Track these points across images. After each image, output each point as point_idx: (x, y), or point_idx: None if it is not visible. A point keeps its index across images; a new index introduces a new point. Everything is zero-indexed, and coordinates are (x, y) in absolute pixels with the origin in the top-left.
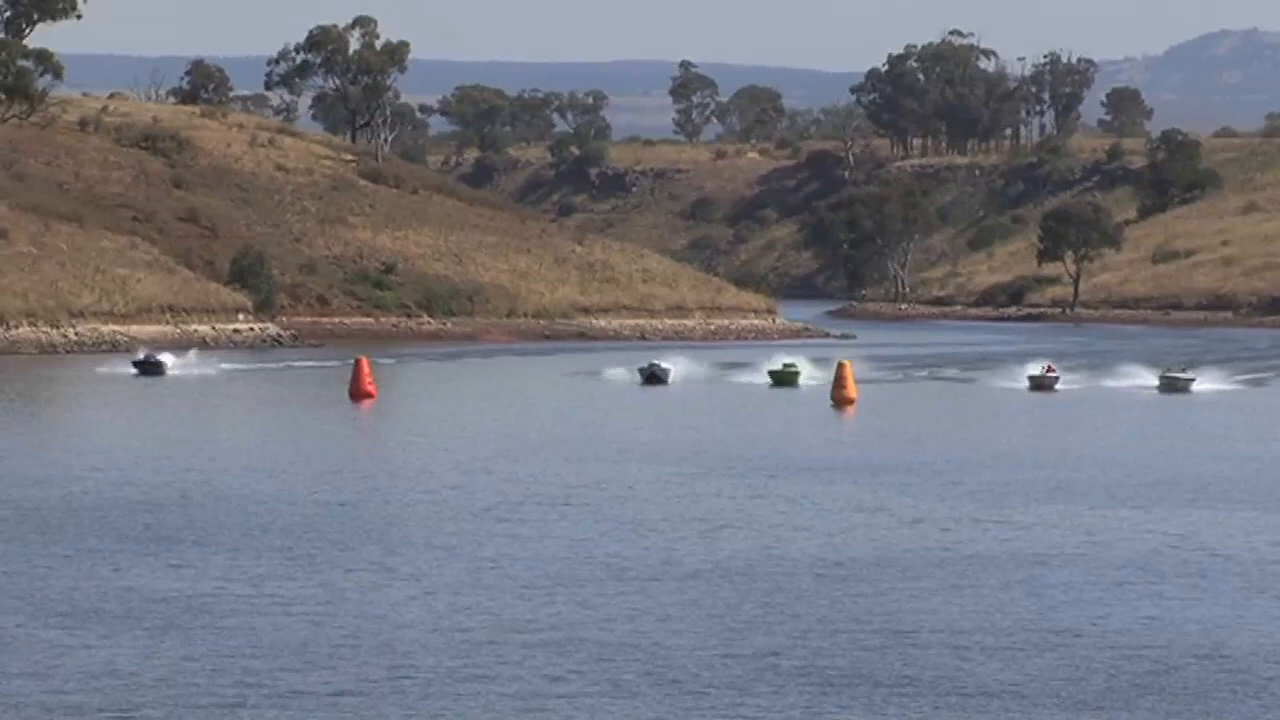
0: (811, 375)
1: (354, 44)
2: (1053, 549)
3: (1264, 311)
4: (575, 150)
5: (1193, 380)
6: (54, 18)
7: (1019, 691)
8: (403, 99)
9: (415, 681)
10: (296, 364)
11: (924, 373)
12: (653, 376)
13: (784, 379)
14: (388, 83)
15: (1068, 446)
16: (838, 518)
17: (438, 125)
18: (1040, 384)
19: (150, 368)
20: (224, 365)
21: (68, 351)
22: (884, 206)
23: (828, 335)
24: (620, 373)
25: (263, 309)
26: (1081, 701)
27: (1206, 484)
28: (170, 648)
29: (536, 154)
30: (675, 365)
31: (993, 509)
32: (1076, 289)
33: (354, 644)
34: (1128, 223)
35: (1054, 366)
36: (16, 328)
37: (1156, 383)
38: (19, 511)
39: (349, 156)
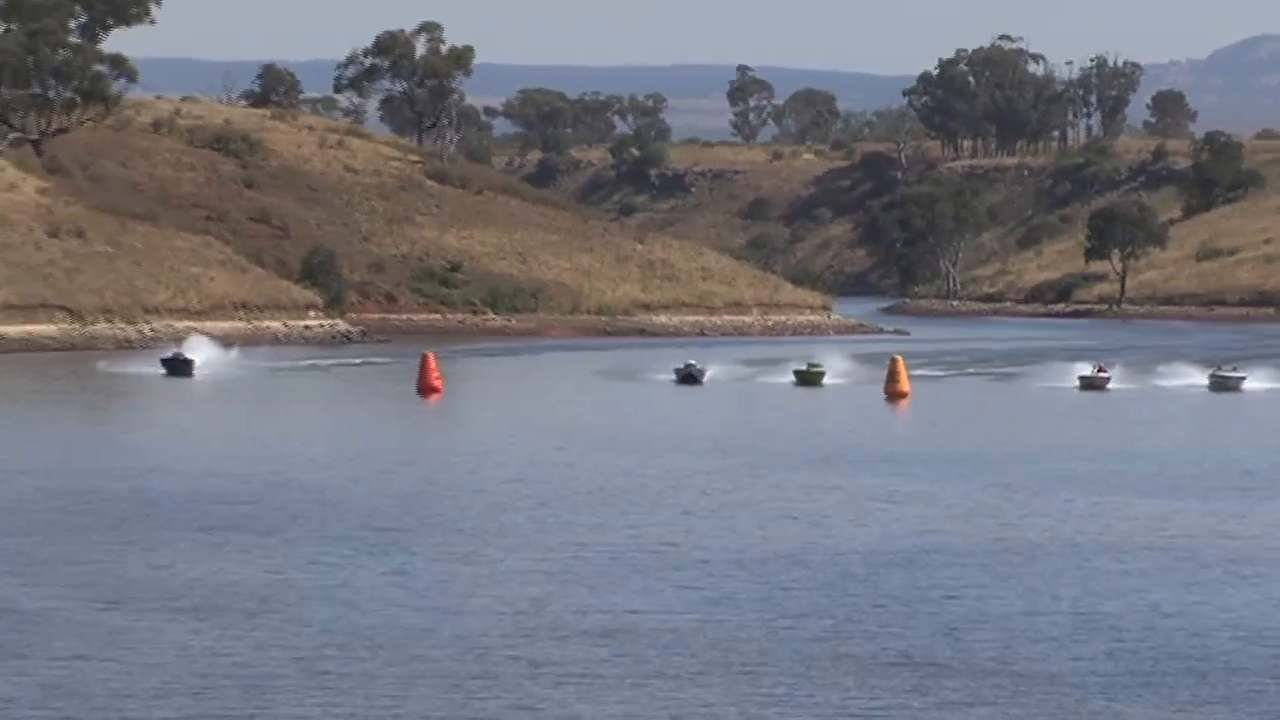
0: (841, 373)
1: (420, 49)
2: (1107, 538)
3: None
4: (635, 151)
5: (1244, 379)
6: (128, 23)
7: (1063, 675)
8: (467, 101)
9: (483, 666)
10: (348, 360)
11: (974, 370)
12: (689, 377)
13: (808, 379)
14: (453, 86)
15: (1119, 442)
16: (891, 509)
17: (501, 127)
18: (1091, 384)
19: (179, 367)
20: (265, 363)
21: (143, 347)
22: (935, 206)
23: (881, 331)
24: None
25: (333, 306)
26: (1124, 684)
27: (1252, 474)
28: (248, 633)
29: (598, 155)
30: (709, 366)
31: (1041, 498)
32: (1123, 286)
33: (428, 629)
34: (1172, 222)
35: (1105, 366)
36: (94, 324)
37: (1207, 382)
38: (109, 503)
39: (415, 158)
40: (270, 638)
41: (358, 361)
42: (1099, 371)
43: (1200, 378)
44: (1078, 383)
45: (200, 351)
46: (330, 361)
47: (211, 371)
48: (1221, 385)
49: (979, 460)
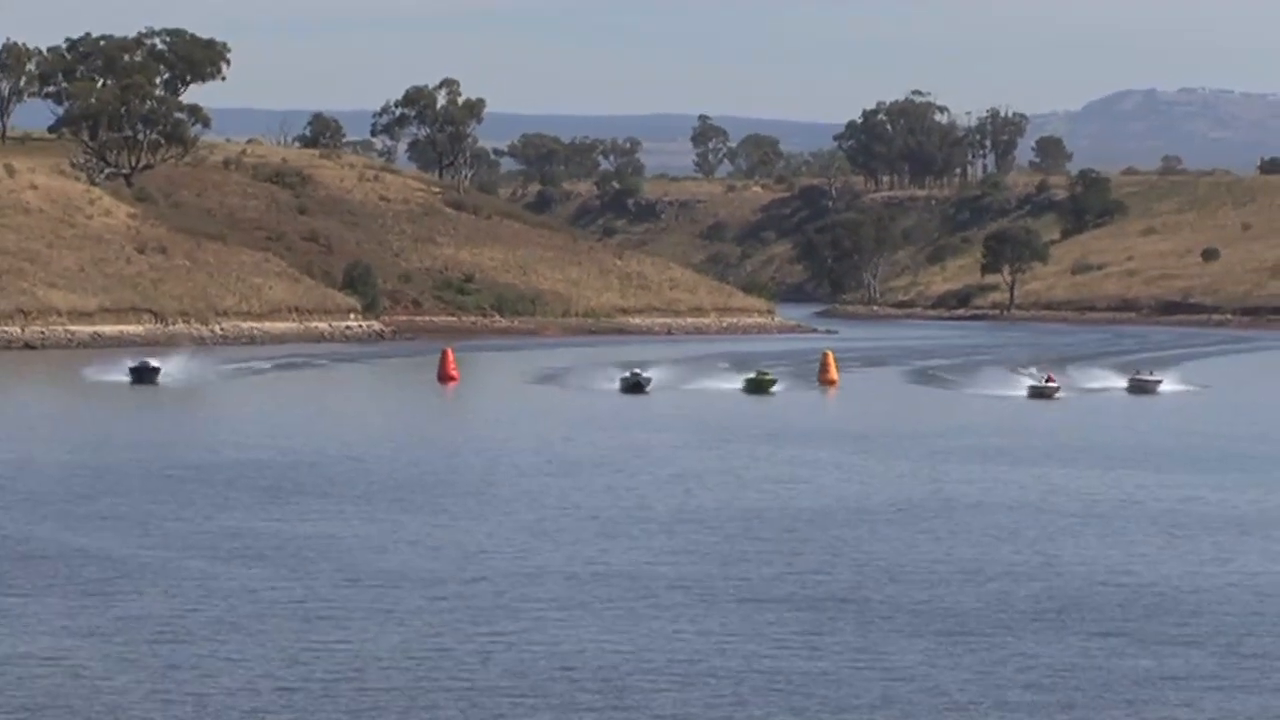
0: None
1: (441, 101)
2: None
3: (1160, 312)
4: (616, 185)
5: (1160, 382)
6: (203, 79)
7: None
8: (479, 144)
9: (508, 607)
10: (323, 362)
11: (916, 372)
12: (635, 385)
13: (759, 386)
14: (467, 131)
15: (1032, 424)
16: (824, 475)
17: (507, 165)
18: (1041, 393)
19: (145, 375)
20: (224, 366)
21: (214, 344)
22: (859, 229)
23: (815, 330)
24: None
25: (369, 310)
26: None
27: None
28: (302, 578)
29: (585, 187)
30: (654, 374)
31: (953, 467)
32: (1012, 295)
33: (459, 578)
34: (1052, 242)
35: (1054, 376)
36: (174, 324)
37: (1125, 385)
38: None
39: (437, 189)
40: (315, 580)
41: (299, 361)
42: (1048, 381)
43: (1119, 381)
44: (1026, 392)
45: (165, 361)
46: (269, 364)
47: (175, 379)
48: (1140, 388)
49: (899, 436)
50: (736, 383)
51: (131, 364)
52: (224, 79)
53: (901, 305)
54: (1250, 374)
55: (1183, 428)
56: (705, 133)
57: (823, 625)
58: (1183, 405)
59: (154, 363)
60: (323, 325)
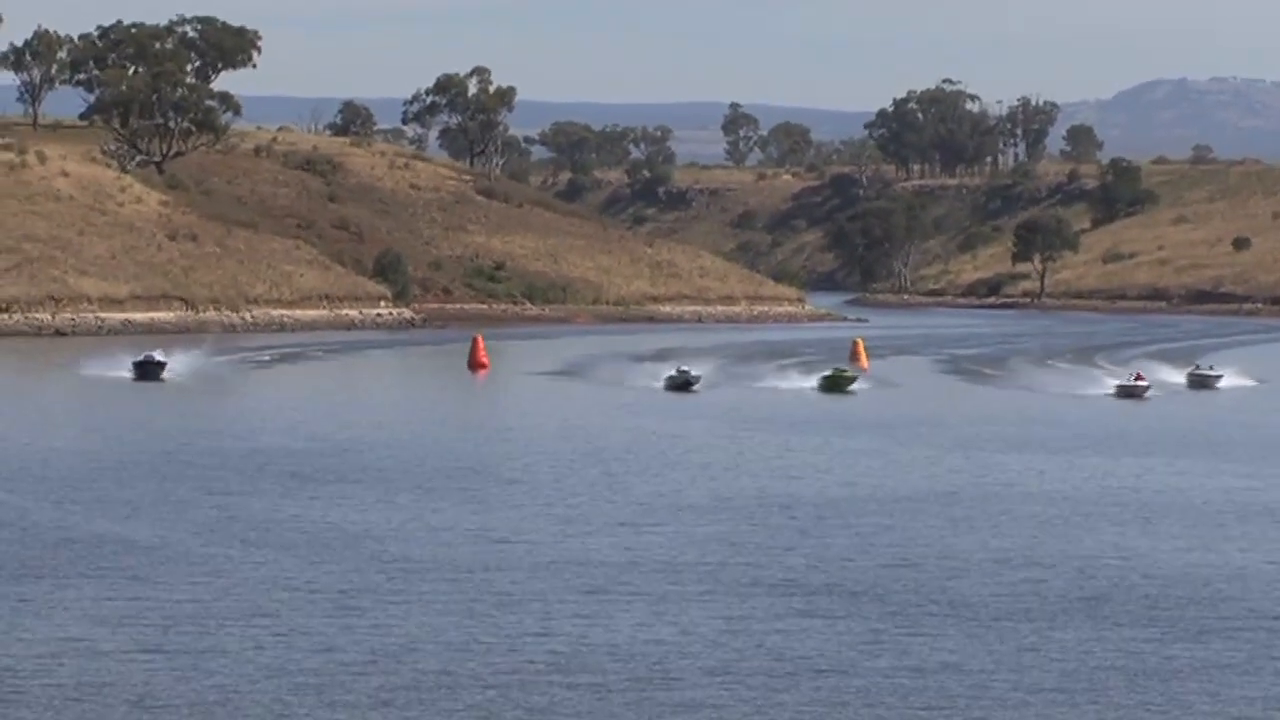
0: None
1: (472, 89)
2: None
3: (1191, 301)
4: (647, 173)
5: (1220, 377)
6: (234, 67)
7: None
8: (510, 132)
9: (534, 593)
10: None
11: (987, 371)
12: (683, 384)
13: (836, 384)
14: (498, 119)
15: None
16: (852, 462)
17: (538, 153)
18: (1129, 393)
19: (150, 370)
20: (222, 358)
21: (244, 331)
22: (890, 218)
23: (845, 319)
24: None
25: (399, 297)
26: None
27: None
28: (336, 563)
29: (616, 176)
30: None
31: (978, 456)
32: (1042, 283)
33: (491, 564)
34: (1083, 231)
35: (1143, 375)
36: (205, 312)
37: (1185, 380)
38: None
39: (468, 177)
40: (342, 566)
41: (294, 349)
42: (1137, 379)
43: (1178, 375)
44: (1114, 391)
45: (169, 355)
46: (270, 355)
47: (180, 373)
48: (1200, 383)
49: (925, 424)
50: (809, 380)
51: (135, 358)
52: (255, 66)
53: (932, 294)
54: None
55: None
56: (736, 121)
57: (854, 613)
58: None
59: (159, 356)
60: (353, 313)
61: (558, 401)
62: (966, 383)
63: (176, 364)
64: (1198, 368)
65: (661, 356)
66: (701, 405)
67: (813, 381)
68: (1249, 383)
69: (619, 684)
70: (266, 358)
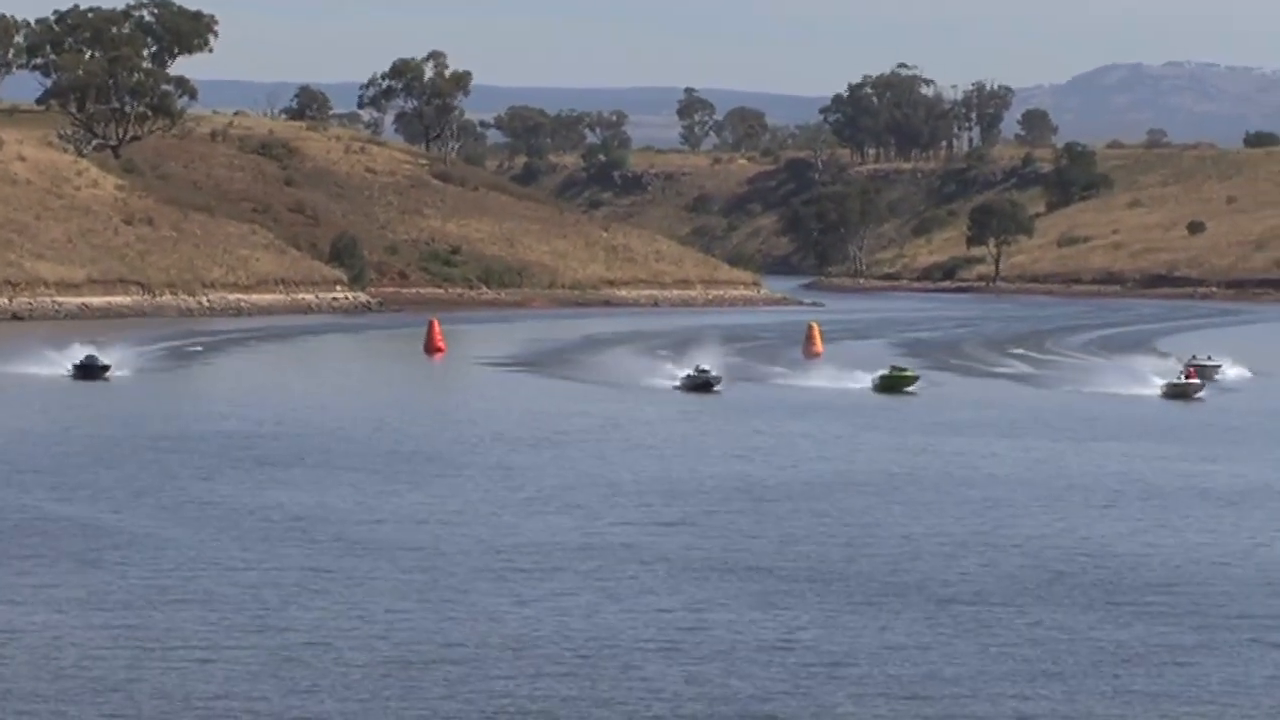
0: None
1: (428, 73)
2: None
3: (1145, 285)
4: (602, 157)
5: (1219, 367)
6: (190, 51)
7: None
8: (466, 116)
9: (492, 576)
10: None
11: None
12: (703, 385)
13: (893, 384)
14: (454, 104)
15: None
16: (806, 446)
17: (494, 137)
18: (1180, 392)
19: (92, 372)
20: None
21: (200, 315)
22: (845, 202)
23: (801, 303)
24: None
25: (355, 281)
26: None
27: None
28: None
29: (571, 160)
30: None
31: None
32: (997, 267)
33: (454, 544)
34: (1038, 215)
35: (1195, 371)
36: (161, 296)
37: (1180, 370)
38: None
39: (423, 161)
40: (306, 548)
41: (230, 334)
42: (1188, 377)
43: (1175, 365)
44: (1163, 389)
45: (108, 356)
46: (198, 345)
47: (124, 374)
48: (1200, 375)
49: (875, 408)
50: (863, 381)
51: (76, 360)
52: (211, 51)
53: (887, 278)
54: None
55: None
56: (691, 105)
57: (809, 595)
58: None
59: (103, 359)
60: (309, 297)
61: (513, 386)
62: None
63: (115, 359)
64: (1195, 358)
65: (620, 340)
66: (655, 390)
67: (866, 382)
68: (1249, 374)
69: (571, 661)
70: (198, 348)
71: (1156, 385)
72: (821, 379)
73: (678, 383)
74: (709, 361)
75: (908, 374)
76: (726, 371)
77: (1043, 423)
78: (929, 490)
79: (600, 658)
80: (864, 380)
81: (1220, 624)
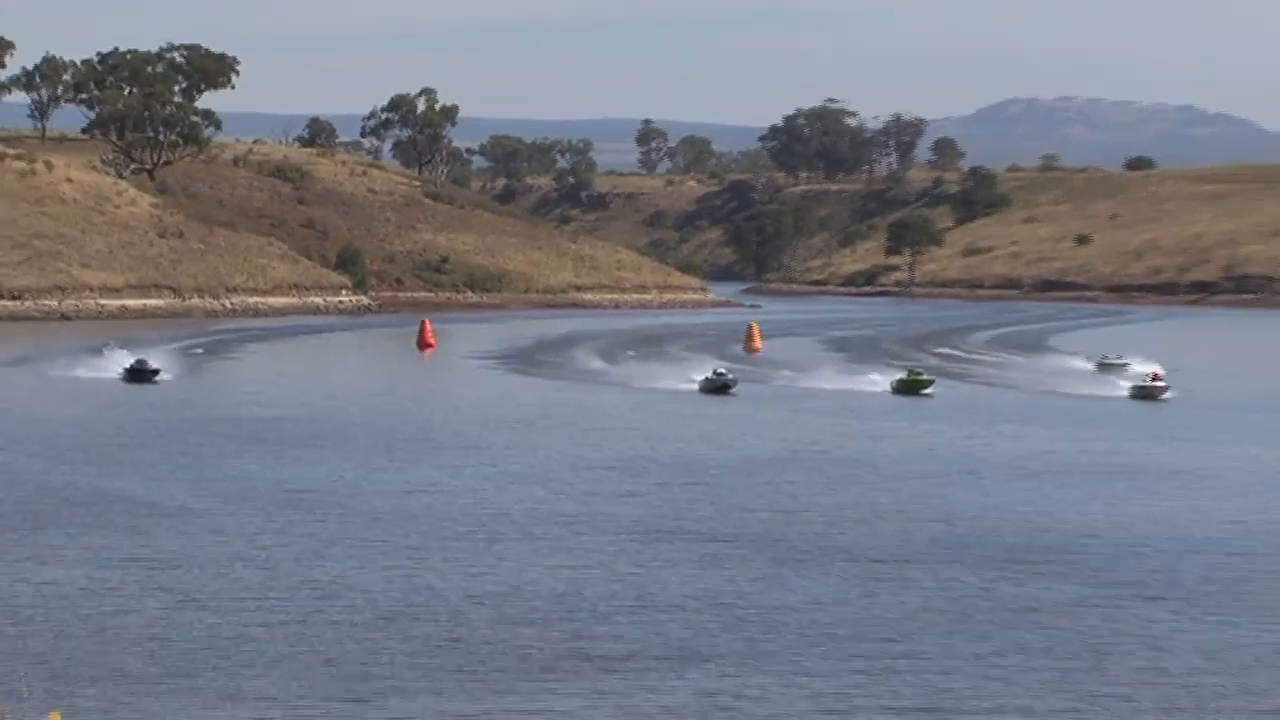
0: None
1: (420, 107)
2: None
3: (1039, 290)
4: (571, 179)
5: (1128, 365)
6: (215, 87)
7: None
8: (453, 144)
9: (476, 542)
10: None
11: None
12: (721, 387)
13: (911, 387)
14: (444, 133)
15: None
16: (745, 429)
17: (478, 162)
18: (1146, 394)
19: (142, 376)
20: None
21: (224, 315)
22: (780, 218)
23: (742, 305)
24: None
25: (358, 286)
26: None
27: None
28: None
29: (545, 182)
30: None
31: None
32: (911, 274)
33: (442, 518)
34: (947, 229)
35: (1160, 374)
36: (190, 299)
37: (1093, 367)
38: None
39: (417, 183)
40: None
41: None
42: (1154, 380)
43: (1087, 364)
44: (1130, 391)
45: (144, 351)
46: (200, 346)
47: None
48: (1108, 370)
49: (807, 397)
50: (880, 384)
51: (127, 364)
52: (233, 87)
53: (816, 283)
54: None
55: None
56: (648, 134)
57: (751, 559)
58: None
59: (152, 364)
60: (318, 300)
61: (495, 376)
62: (850, 361)
63: (151, 353)
64: (1105, 357)
65: (573, 340)
66: (612, 378)
67: (885, 385)
68: (1156, 369)
69: (543, 610)
70: (199, 350)
71: (1124, 387)
72: (837, 382)
73: (697, 385)
74: (705, 360)
75: (924, 378)
76: (691, 364)
77: (1001, 418)
78: (859, 468)
79: (567, 608)
80: (881, 384)
81: (1100, 582)
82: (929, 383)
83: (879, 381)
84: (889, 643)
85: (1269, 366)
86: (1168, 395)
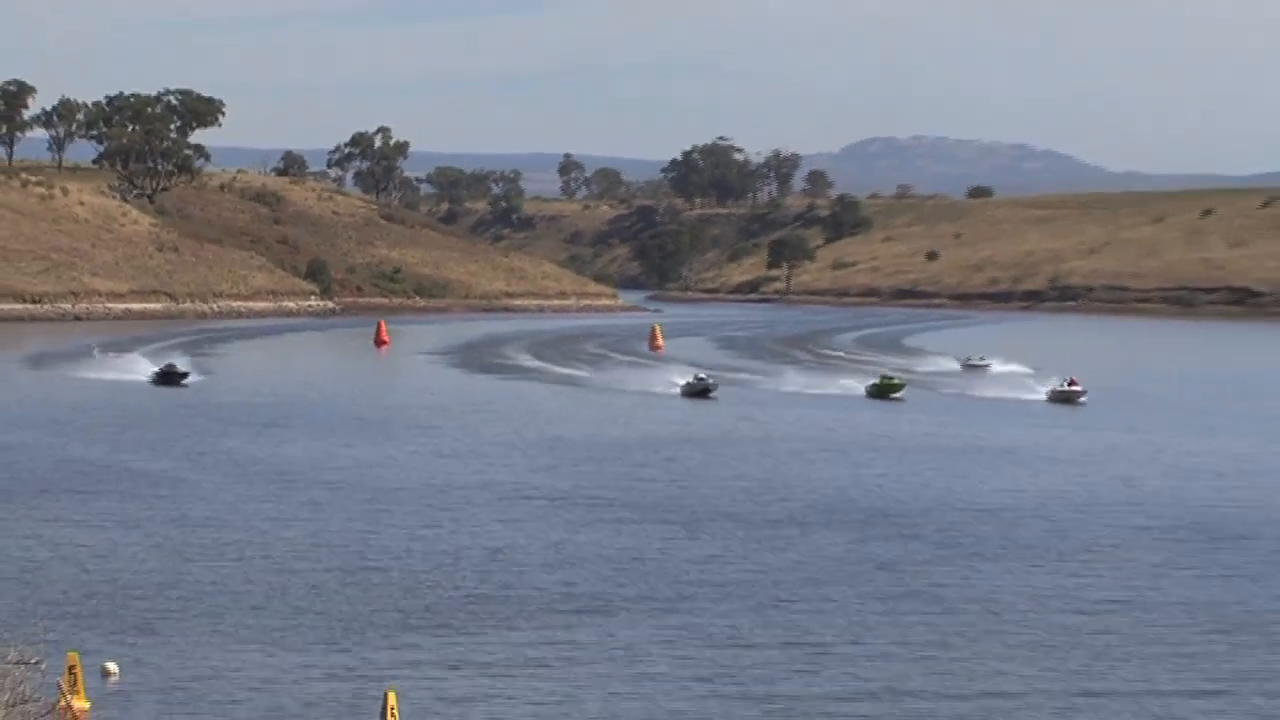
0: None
1: (378, 143)
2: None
3: (895, 297)
4: (504, 204)
5: (989, 365)
6: (205, 126)
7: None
8: (405, 174)
9: (423, 509)
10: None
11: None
12: (702, 390)
13: (884, 391)
14: (397, 165)
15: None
16: (654, 414)
17: (425, 189)
18: (1065, 398)
19: (172, 379)
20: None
21: (212, 317)
22: (679, 237)
23: (646, 310)
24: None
25: (324, 293)
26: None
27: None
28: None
29: (482, 206)
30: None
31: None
32: (788, 284)
33: (408, 487)
34: (818, 247)
35: (1076, 379)
36: (183, 303)
37: (959, 366)
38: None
39: (374, 206)
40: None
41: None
42: (1071, 385)
43: (953, 364)
44: (1048, 395)
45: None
46: (161, 346)
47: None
48: (972, 369)
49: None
50: (855, 389)
51: (158, 369)
52: (220, 125)
53: (709, 291)
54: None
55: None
56: (568, 166)
57: (654, 523)
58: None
59: (181, 368)
60: (291, 304)
61: (440, 369)
62: (739, 358)
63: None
64: (969, 359)
65: (504, 339)
66: (659, 395)
67: (860, 389)
68: (1017, 368)
69: (480, 564)
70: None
71: (1041, 392)
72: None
73: (678, 390)
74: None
75: (895, 382)
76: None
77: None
78: (751, 447)
79: (500, 562)
80: (856, 389)
81: (946, 543)
82: (900, 387)
83: (792, 379)
84: (770, 591)
85: (1106, 366)
86: (1084, 400)
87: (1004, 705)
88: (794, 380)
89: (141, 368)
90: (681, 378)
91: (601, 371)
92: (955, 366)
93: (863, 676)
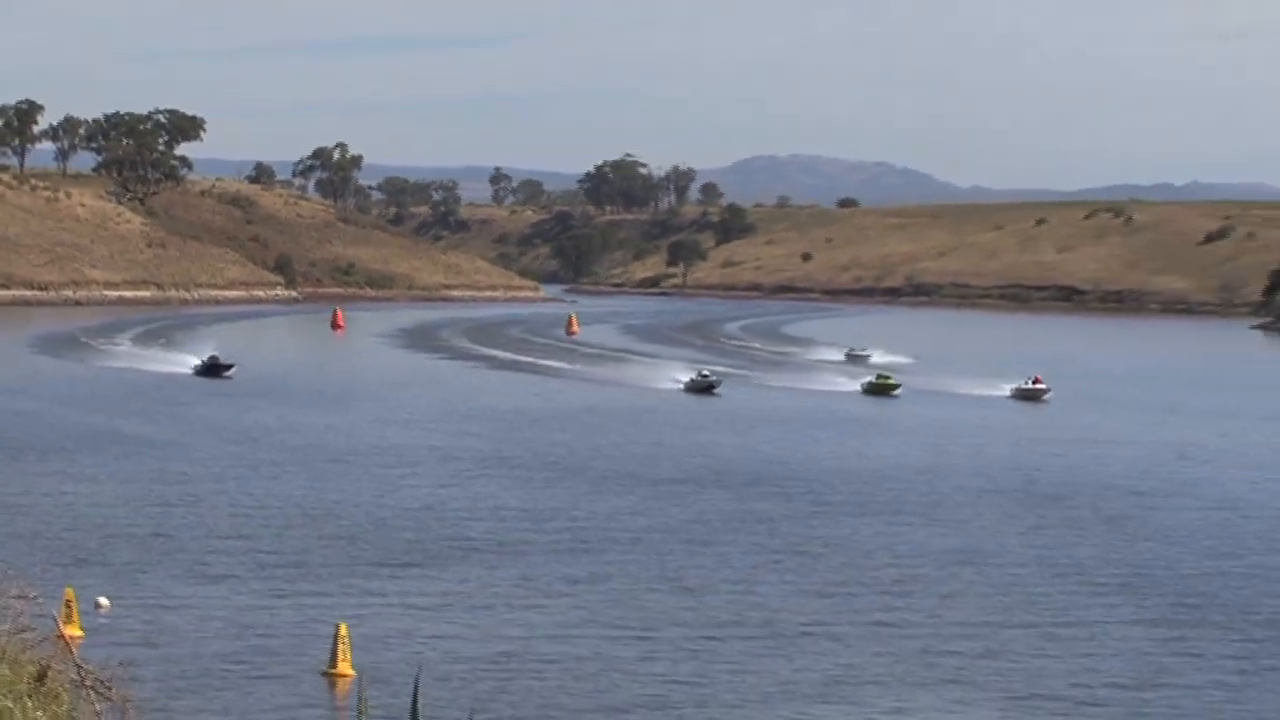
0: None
1: (336, 156)
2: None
3: (776, 292)
4: (443, 209)
5: (869, 355)
6: (189, 140)
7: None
8: (359, 182)
9: (375, 472)
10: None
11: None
12: (706, 387)
13: (880, 389)
14: (352, 175)
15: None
16: (573, 393)
17: (376, 196)
18: (1029, 395)
19: (216, 370)
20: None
21: (193, 304)
22: (592, 239)
23: (564, 301)
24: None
25: (289, 284)
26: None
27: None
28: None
29: (424, 210)
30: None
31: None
32: (684, 280)
33: (364, 455)
34: (710, 248)
35: (1041, 378)
36: (168, 292)
37: (842, 357)
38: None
39: (333, 210)
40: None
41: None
42: (1035, 383)
43: (837, 354)
44: (1012, 392)
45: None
46: (148, 328)
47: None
48: (854, 359)
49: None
50: (852, 385)
51: (201, 360)
52: (202, 140)
53: (617, 285)
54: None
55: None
56: (498, 178)
57: (575, 483)
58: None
59: (224, 359)
60: (260, 293)
61: (388, 349)
62: (641, 343)
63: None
64: (851, 350)
65: (442, 325)
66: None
67: (856, 386)
68: (899, 359)
69: (425, 520)
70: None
71: (1006, 389)
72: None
73: (682, 385)
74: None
75: (891, 381)
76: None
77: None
78: (653, 417)
79: (441, 517)
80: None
81: (821, 500)
82: (896, 385)
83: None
84: (666, 540)
85: (973, 351)
86: (1048, 397)
87: (865, 633)
88: (788, 377)
89: (185, 360)
90: (684, 374)
91: (600, 367)
92: (840, 357)
93: (742, 612)
